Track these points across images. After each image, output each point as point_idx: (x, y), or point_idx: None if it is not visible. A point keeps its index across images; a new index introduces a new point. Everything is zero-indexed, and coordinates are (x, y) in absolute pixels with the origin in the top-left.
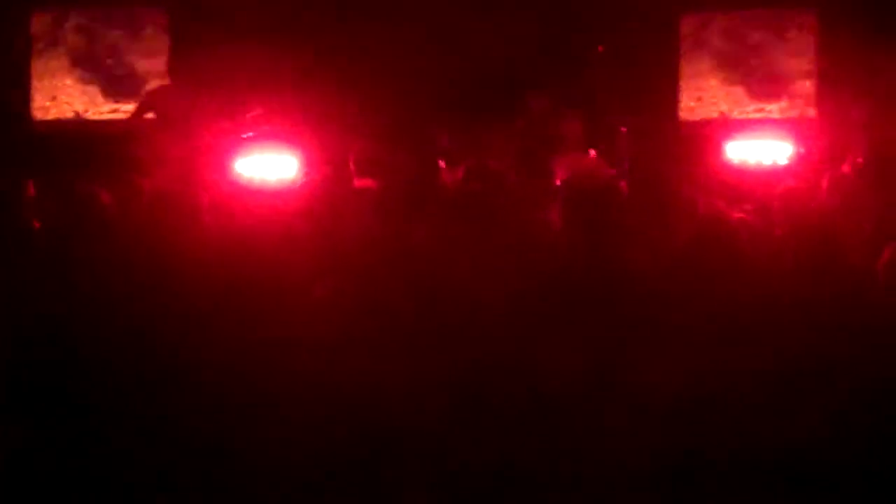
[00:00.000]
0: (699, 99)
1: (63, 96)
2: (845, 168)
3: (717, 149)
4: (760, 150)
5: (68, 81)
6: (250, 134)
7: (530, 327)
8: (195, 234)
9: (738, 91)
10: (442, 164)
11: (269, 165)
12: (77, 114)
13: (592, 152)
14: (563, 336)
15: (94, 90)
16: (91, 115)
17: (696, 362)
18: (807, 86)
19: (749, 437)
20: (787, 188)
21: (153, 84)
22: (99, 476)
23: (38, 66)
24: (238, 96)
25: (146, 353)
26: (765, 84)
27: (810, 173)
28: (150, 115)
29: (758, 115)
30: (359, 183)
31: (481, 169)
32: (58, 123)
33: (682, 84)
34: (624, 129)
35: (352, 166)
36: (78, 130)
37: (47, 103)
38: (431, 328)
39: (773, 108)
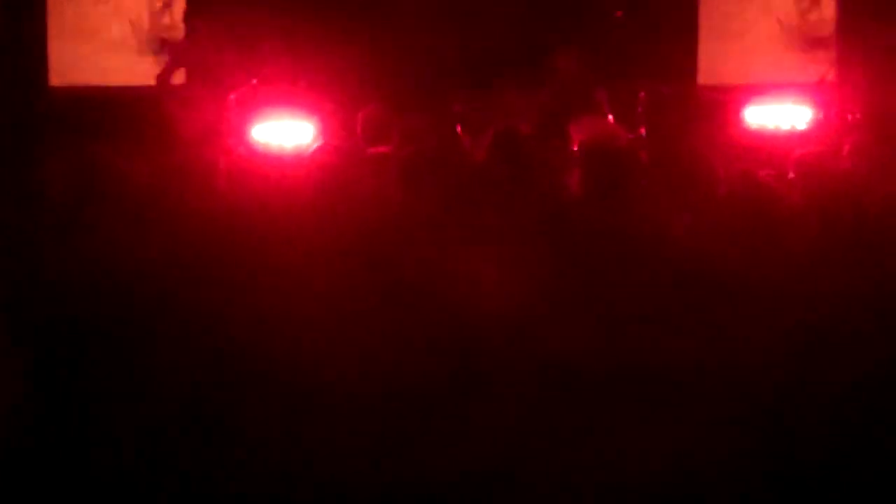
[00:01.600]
0: (718, 63)
1: (79, 59)
2: (865, 133)
3: (737, 113)
4: (780, 114)
5: (85, 44)
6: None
7: (549, 293)
8: (211, 198)
9: (758, 55)
10: (459, 128)
11: (285, 131)
12: (93, 78)
13: (611, 117)
14: (581, 303)
15: (111, 54)
16: (108, 79)
17: (715, 329)
18: (828, 49)
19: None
20: (807, 153)
21: (173, 46)
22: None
23: (53, 28)
24: (255, 61)
25: (159, 317)
26: (785, 48)
27: (830, 138)
28: (170, 79)
29: (778, 80)
30: (375, 149)
31: (506, 134)
32: (73, 88)
33: (701, 48)
34: (643, 94)
35: (368, 132)
36: (94, 95)
37: (63, 67)
38: (449, 294)
39: (794, 73)
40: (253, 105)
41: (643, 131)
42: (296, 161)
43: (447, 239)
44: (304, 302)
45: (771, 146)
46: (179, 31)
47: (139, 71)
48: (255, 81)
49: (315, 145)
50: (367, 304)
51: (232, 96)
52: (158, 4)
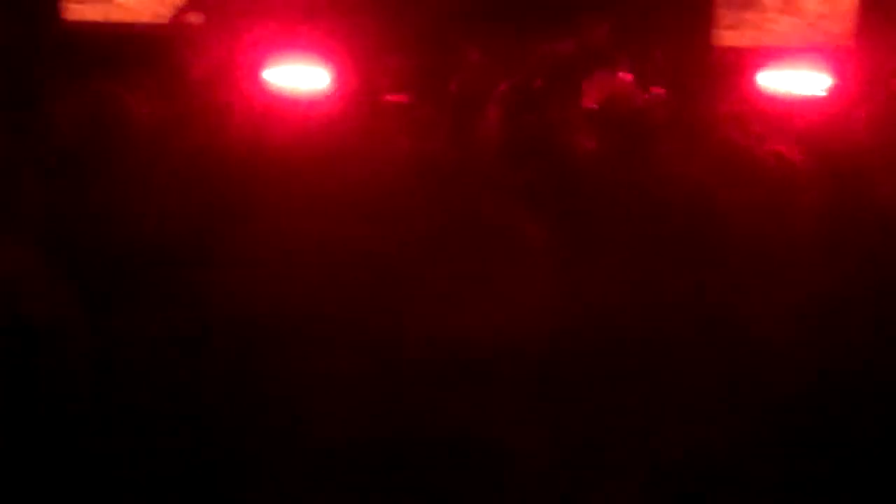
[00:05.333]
0: (735, 26)
1: None
2: (882, 100)
3: (752, 76)
4: (796, 79)
5: None
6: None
7: (558, 248)
8: (222, 139)
9: (775, 18)
10: (475, 79)
11: (299, 75)
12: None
13: (627, 75)
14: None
15: None
16: (121, 17)
17: (727, 293)
18: (845, 15)
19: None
20: (823, 119)
21: None
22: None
23: None
24: (269, 4)
25: (168, 262)
26: (801, 13)
27: (847, 104)
28: (184, 19)
29: (794, 44)
30: (390, 97)
31: (519, 87)
32: (86, 25)
33: (718, 10)
34: (658, 53)
35: (384, 79)
36: (107, 33)
37: (76, 5)
38: (460, 244)
39: (810, 37)
40: (267, 48)
41: (659, 90)
42: (309, 105)
43: (457, 190)
44: (311, 249)
45: (785, 111)
46: None
47: (154, 9)
48: (270, 26)
49: (329, 91)
50: (376, 255)
51: (246, 38)
52: None
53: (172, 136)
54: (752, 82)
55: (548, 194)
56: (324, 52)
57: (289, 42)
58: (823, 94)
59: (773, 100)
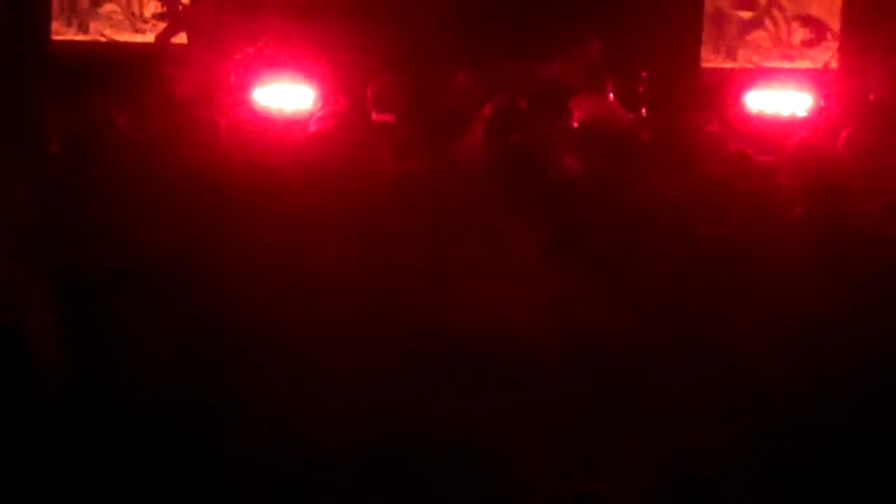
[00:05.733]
0: (721, 46)
1: (83, 18)
2: (863, 121)
3: (738, 97)
4: (781, 100)
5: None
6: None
7: (545, 267)
8: (210, 160)
9: (761, 40)
10: (461, 99)
11: (286, 95)
12: (97, 36)
13: (611, 95)
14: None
15: (114, 11)
16: (110, 37)
17: (711, 307)
18: (831, 37)
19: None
20: (806, 139)
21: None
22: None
23: None
24: (257, 25)
25: (157, 277)
26: (788, 34)
27: (830, 126)
28: (173, 39)
29: (780, 65)
30: (377, 116)
31: (505, 107)
32: (76, 45)
33: (706, 30)
34: (644, 74)
35: (370, 99)
36: (97, 53)
37: (65, 25)
38: (449, 262)
39: (796, 59)
40: (254, 68)
41: (644, 111)
42: (295, 125)
43: (445, 209)
44: (300, 267)
45: (770, 131)
46: None
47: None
48: (257, 46)
49: (315, 110)
50: (365, 272)
51: (234, 59)
52: None
53: (160, 153)
54: (738, 103)
55: (533, 212)
56: (310, 72)
57: (276, 62)
58: (807, 114)
59: (758, 120)
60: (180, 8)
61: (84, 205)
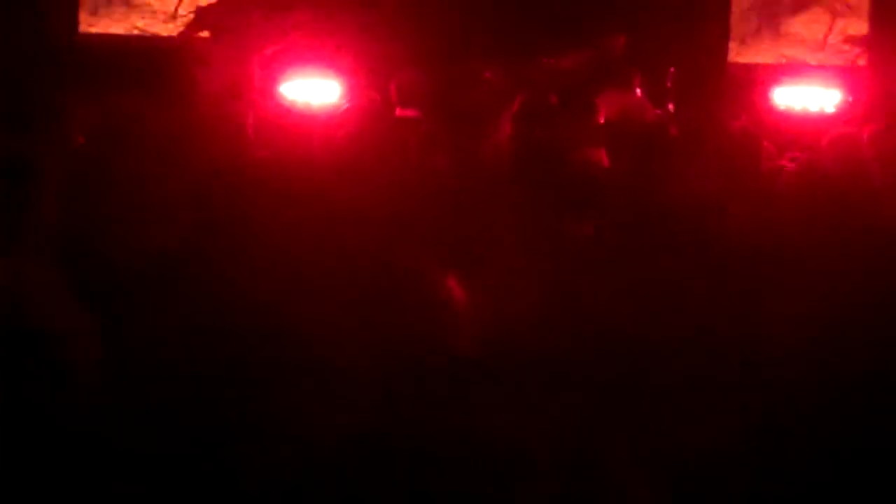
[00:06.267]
0: (749, 42)
1: (108, 10)
2: (893, 118)
3: (766, 93)
4: (809, 96)
5: None
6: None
7: (573, 264)
8: (238, 154)
9: (789, 36)
10: (487, 96)
11: (313, 89)
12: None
13: (638, 91)
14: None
15: (141, 4)
16: (137, 30)
17: (736, 306)
18: (859, 33)
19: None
20: (834, 136)
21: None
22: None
23: None
24: (285, 19)
25: (180, 273)
26: (816, 30)
27: (858, 122)
28: (194, 36)
29: (808, 61)
30: (401, 112)
31: (533, 103)
32: (103, 37)
33: (733, 26)
34: (672, 70)
35: (394, 95)
36: (123, 46)
37: (92, 17)
38: (470, 259)
39: (824, 55)
40: (281, 63)
41: (671, 107)
42: (322, 119)
43: (469, 205)
44: (325, 262)
45: (797, 127)
46: None
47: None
48: (285, 40)
49: (342, 105)
50: (388, 268)
51: (261, 54)
52: None
53: (186, 148)
54: (766, 99)
55: (559, 209)
56: (337, 66)
57: (303, 56)
58: (836, 111)
59: (786, 116)
60: (205, 5)
61: (110, 199)
